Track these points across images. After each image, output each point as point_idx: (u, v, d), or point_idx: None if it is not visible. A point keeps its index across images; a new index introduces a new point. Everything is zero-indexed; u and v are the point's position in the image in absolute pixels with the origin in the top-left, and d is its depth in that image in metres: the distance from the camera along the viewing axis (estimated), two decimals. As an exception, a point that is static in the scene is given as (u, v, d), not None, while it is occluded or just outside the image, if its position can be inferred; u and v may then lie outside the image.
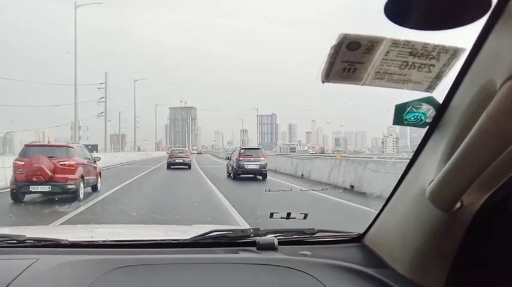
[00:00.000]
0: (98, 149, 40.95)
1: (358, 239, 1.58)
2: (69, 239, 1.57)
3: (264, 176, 18.54)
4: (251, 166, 18.42)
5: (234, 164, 18.77)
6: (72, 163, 11.62)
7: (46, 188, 11.07)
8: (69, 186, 11.22)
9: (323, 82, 1.07)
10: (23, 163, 11.24)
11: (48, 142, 14.25)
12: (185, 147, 43.11)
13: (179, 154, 27.90)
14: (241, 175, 18.28)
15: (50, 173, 11.06)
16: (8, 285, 1.19)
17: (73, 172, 11.51)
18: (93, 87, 43.73)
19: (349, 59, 1.01)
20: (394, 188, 1.35)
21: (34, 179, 10.93)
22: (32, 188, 11.04)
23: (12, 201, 10.97)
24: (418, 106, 1.13)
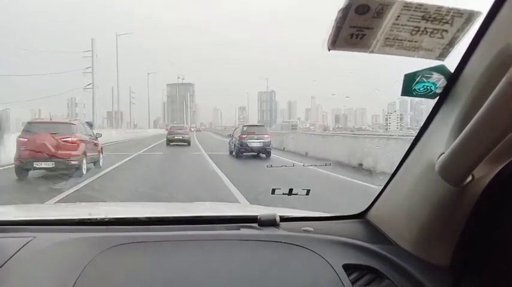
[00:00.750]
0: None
1: (362, 215, 1.55)
2: (66, 217, 1.56)
3: (268, 154, 18.21)
4: (254, 143, 18.07)
5: (237, 141, 18.49)
6: (74, 139, 11.73)
7: (50, 165, 11.16)
8: (72, 162, 11.38)
9: (329, 49, 1.02)
10: (26, 139, 11.36)
11: (50, 119, 14.14)
12: (183, 124, 42.77)
13: (178, 131, 27.86)
14: (244, 153, 18.07)
15: (53, 150, 11.17)
16: (4, 263, 1.18)
17: (76, 148, 11.65)
18: (85, 57, 39.99)
19: (358, 24, 0.96)
20: (400, 163, 1.31)
21: (37, 156, 10.98)
22: (36, 164, 11.12)
23: (15, 177, 11.04)
24: (429, 76, 1.07)
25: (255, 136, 18.42)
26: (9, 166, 12.72)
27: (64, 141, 11.53)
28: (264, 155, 18.20)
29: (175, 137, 26.46)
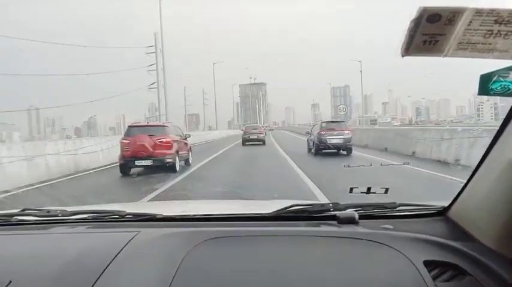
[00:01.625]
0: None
1: (443, 212, 1.54)
2: (164, 214, 1.70)
3: (349, 151, 17.58)
4: (334, 140, 17.45)
5: (316, 138, 18.02)
6: (168, 139, 13.35)
7: (148, 162, 12.90)
8: (168, 160, 13.02)
9: (403, 56, 1.06)
10: (128, 141, 13.15)
11: (147, 123, 16.01)
12: (258, 124, 43.28)
13: (253, 131, 29.21)
14: (324, 151, 17.57)
15: (151, 150, 12.87)
16: (116, 255, 1.33)
17: (170, 147, 13.25)
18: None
19: (430, 32, 1.00)
20: (481, 159, 1.30)
21: (138, 155, 12.83)
22: (137, 162, 12.96)
23: (120, 175, 13.02)
24: (506, 75, 1.09)
25: (335, 132, 17.77)
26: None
27: (160, 142, 13.11)
28: (344, 152, 17.60)
29: (251, 137, 27.79)
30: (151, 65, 38.26)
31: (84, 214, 1.75)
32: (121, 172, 13.17)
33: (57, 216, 1.73)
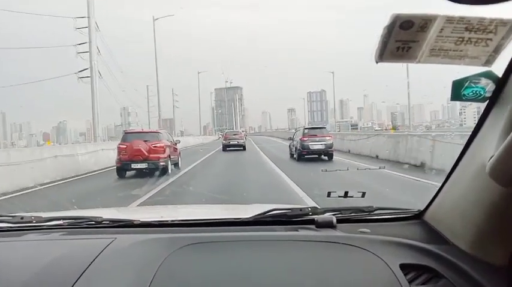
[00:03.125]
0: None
1: (418, 216, 1.57)
2: (142, 220, 1.69)
3: (330, 157, 17.90)
4: (316, 146, 17.77)
5: (298, 144, 18.26)
6: (162, 144, 14.47)
7: (144, 165, 14.02)
8: (161, 163, 14.10)
9: (377, 62, 1.08)
10: (125, 146, 14.24)
11: (142, 129, 17.80)
12: (233, 129, 43.21)
13: (233, 136, 29.45)
14: (306, 156, 17.79)
15: (146, 154, 14.01)
16: (91, 262, 1.31)
17: (163, 152, 14.38)
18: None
19: (403, 38, 1.02)
20: (455, 164, 1.33)
21: (134, 159, 13.95)
22: (133, 165, 14.06)
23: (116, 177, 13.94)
24: (477, 81, 1.11)
25: (317, 138, 18.04)
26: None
27: (154, 146, 14.23)
28: (326, 158, 17.90)
29: (231, 143, 27.89)
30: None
31: (59, 220, 1.71)
32: (118, 174, 14.17)
33: (31, 222, 1.69)
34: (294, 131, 26.87)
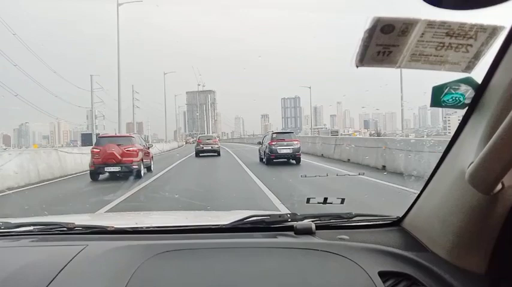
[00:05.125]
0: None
1: (397, 222, 1.57)
2: (115, 226, 1.64)
3: (298, 160, 18.30)
4: (284, 150, 18.19)
5: (267, 149, 18.59)
6: (134, 148, 14.76)
7: (117, 169, 14.25)
8: (134, 166, 14.34)
9: (357, 67, 1.06)
10: (99, 150, 14.37)
11: (115, 134, 18.69)
12: (211, 134, 42.39)
13: (207, 141, 27.98)
14: (274, 160, 18.14)
15: (119, 157, 14.27)
16: (61, 270, 1.26)
17: (136, 155, 14.66)
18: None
19: (384, 42, 1.01)
20: (434, 171, 1.33)
21: (108, 162, 14.15)
22: (107, 169, 14.28)
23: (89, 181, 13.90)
24: (456, 87, 1.11)
25: (285, 143, 18.41)
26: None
27: (127, 150, 14.52)
28: (294, 161, 18.23)
29: (205, 148, 26.48)
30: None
31: (29, 226, 1.65)
32: (91, 177, 14.26)
33: None
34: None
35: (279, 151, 18.18)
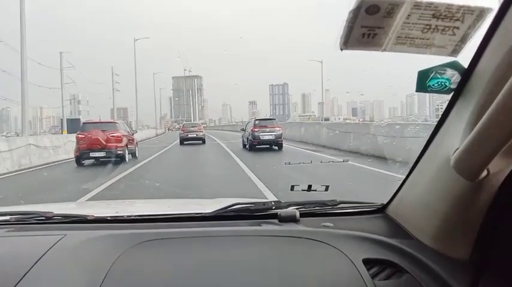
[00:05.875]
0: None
1: (382, 209, 1.56)
2: (95, 215, 1.60)
3: (280, 146, 18.65)
4: (266, 136, 18.57)
5: (250, 135, 18.92)
6: (119, 134, 15.29)
7: (102, 154, 14.78)
8: (119, 152, 14.84)
9: (341, 49, 1.03)
10: (84, 135, 14.91)
11: (100, 120, 19.14)
12: (197, 121, 41.25)
13: (192, 128, 27.32)
14: (257, 146, 18.45)
15: (104, 143, 14.78)
16: (38, 260, 1.22)
17: (120, 141, 15.20)
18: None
19: (369, 24, 0.97)
20: (418, 157, 1.31)
21: (93, 148, 14.70)
22: (92, 154, 14.84)
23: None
24: (442, 72, 1.08)
25: (267, 129, 18.80)
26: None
27: (112, 136, 15.01)
28: (276, 147, 18.58)
29: (189, 136, 25.87)
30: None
31: (5, 216, 1.61)
32: (76, 163, 14.81)
33: None
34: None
35: (261, 137, 18.56)
